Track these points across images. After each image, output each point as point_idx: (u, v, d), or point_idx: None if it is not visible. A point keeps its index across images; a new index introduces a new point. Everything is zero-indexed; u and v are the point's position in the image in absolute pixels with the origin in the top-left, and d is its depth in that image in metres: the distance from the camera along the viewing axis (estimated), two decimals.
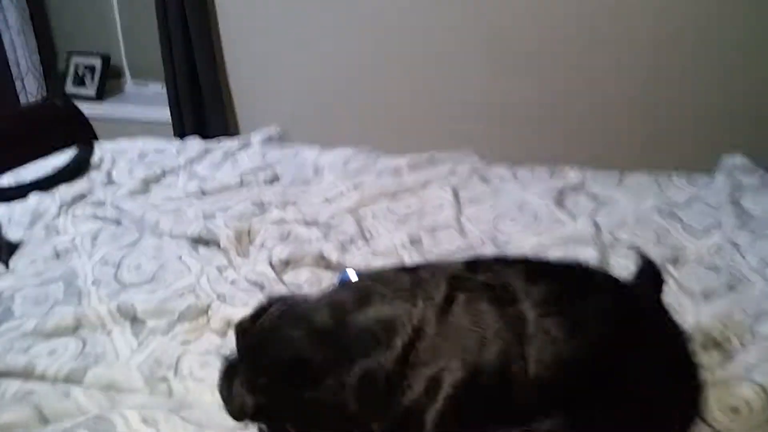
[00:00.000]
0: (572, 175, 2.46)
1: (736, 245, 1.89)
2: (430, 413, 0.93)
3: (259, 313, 1.10)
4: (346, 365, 0.93)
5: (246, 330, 1.09)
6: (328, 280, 1.79)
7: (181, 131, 3.68)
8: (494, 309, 0.96)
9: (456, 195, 2.29)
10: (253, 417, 1.02)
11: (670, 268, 1.85)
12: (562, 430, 0.95)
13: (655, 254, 1.88)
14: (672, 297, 1.71)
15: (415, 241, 1.98)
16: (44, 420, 1.25)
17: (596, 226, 2.08)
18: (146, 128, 3.60)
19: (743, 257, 1.85)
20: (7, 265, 1.92)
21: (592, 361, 0.95)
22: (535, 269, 1.06)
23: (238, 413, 1.02)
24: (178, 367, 1.44)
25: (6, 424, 1.23)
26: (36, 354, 1.47)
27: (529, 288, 0.97)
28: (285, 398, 0.96)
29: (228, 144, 2.82)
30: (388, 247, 1.96)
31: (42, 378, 1.38)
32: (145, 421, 1.22)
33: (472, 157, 2.63)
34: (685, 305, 1.68)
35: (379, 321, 0.97)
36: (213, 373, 1.41)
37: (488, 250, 1.94)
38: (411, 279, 1.04)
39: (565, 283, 1.05)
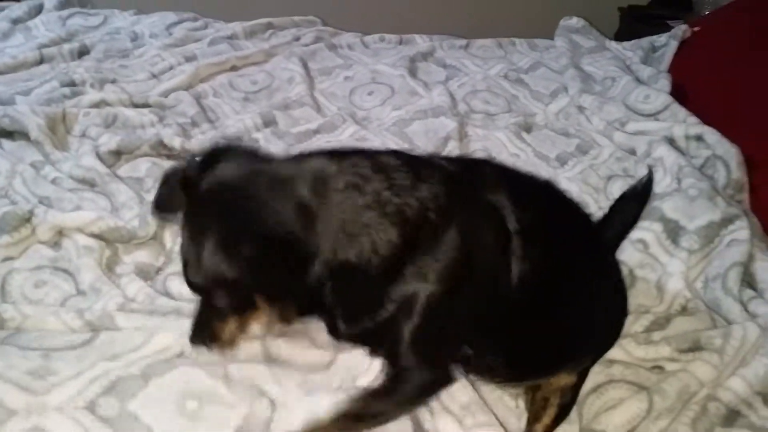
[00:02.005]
0: (421, 42, 2.36)
1: (582, 109, 1.96)
2: (407, 326, 0.92)
3: (206, 163, 0.93)
4: (331, 256, 0.87)
5: (190, 182, 0.92)
6: None
7: None
8: (486, 229, 0.97)
9: (305, 67, 2.09)
10: (219, 284, 0.88)
11: (525, 135, 1.87)
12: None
13: (509, 123, 1.91)
14: (531, 164, 1.75)
15: (269, 122, 1.79)
16: None
17: (451, 96, 2.03)
18: None
19: (589, 121, 1.92)
20: None
21: (554, 280, 1.03)
22: (521, 190, 1.07)
23: (211, 281, 0.87)
24: (5, 290, 1.19)
25: None
26: None
27: (517, 211, 0.98)
28: (265, 273, 0.86)
29: (14, 8, 2.28)
30: (239, 129, 1.75)
31: None
32: None
33: (315, 24, 2.40)
34: (544, 171, 1.73)
35: (369, 222, 0.89)
36: (52, 292, 1.20)
37: (349, 129, 1.82)
38: (411, 177, 0.93)
39: (545, 208, 1.09)
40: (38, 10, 2.31)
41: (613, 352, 1.19)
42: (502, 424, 1.04)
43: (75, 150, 1.59)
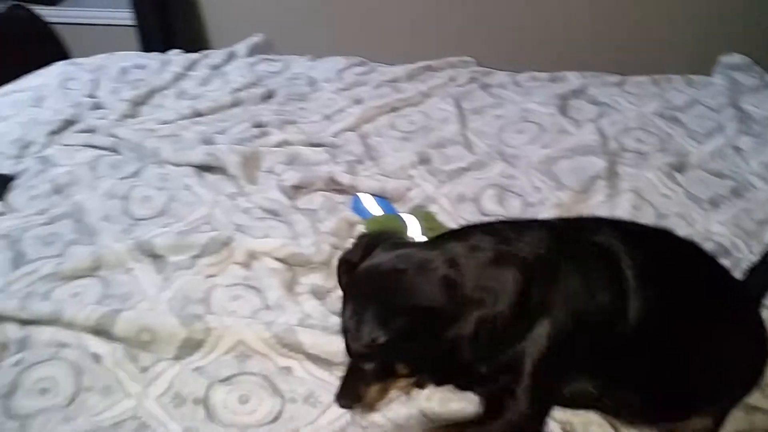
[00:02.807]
0: (573, 79, 2.42)
1: (738, 150, 1.93)
2: (530, 355, 1.04)
3: (365, 250, 1.14)
4: (466, 317, 1.01)
5: (353, 265, 1.13)
6: (342, 206, 1.78)
7: (145, 35, 3.42)
8: (597, 266, 1.07)
9: (459, 106, 2.24)
10: (372, 351, 1.05)
11: (677, 175, 1.88)
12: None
13: (661, 162, 1.92)
14: (681, 206, 1.76)
15: (424, 160, 1.96)
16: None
17: (601, 133, 2.08)
18: (106, 33, 3.36)
19: (746, 162, 1.88)
20: (1, 198, 1.85)
21: (677, 320, 1.09)
22: (634, 235, 1.16)
23: (365, 346, 1.05)
24: (209, 301, 1.45)
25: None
26: (60, 298, 1.45)
27: (631, 251, 1.07)
28: (413, 340, 1.02)
29: (213, 56, 2.68)
30: (397, 167, 1.94)
31: (70, 326, 1.36)
32: None
33: (470, 65, 2.56)
34: (694, 213, 1.73)
35: (494, 276, 1.04)
36: (245, 305, 1.44)
37: (498, 166, 1.94)
38: (516, 232, 1.11)
39: (662, 250, 1.16)
40: (232, 57, 2.69)
41: (758, 400, 1.20)
42: None
43: (263, 184, 1.86)
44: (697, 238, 1.62)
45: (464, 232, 1.18)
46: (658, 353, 1.08)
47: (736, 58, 2.35)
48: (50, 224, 1.70)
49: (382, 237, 1.20)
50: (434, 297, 1.01)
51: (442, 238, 1.18)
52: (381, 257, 1.11)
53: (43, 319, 1.37)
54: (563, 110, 2.23)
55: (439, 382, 1.17)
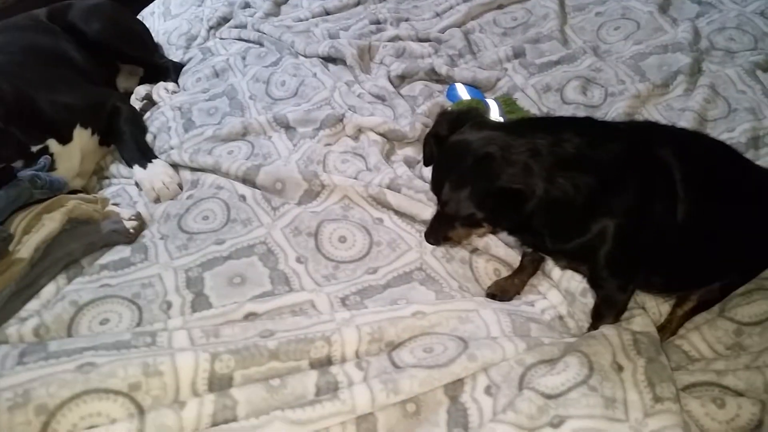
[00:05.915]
0: None
1: None
2: (602, 251, 1.23)
3: (453, 125, 1.25)
4: (544, 195, 1.14)
5: (442, 138, 1.26)
6: (438, 93, 2.09)
7: None
8: (657, 177, 1.22)
9: (561, 4, 2.40)
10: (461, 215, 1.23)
11: (759, 74, 1.97)
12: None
13: (748, 60, 2.01)
14: (753, 102, 1.88)
15: (519, 54, 2.19)
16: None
17: (696, 32, 2.17)
18: None
19: None
20: (178, 83, 2.36)
21: (712, 216, 1.27)
22: (683, 146, 1.28)
23: (465, 217, 1.22)
24: (325, 163, 1.86)
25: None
26: (219, 154, 1.93)
27: (681, 164, 1.22)
28: (500, 215, 1.22)
29: None
30: (494, 60, 2.19)
31: (226, 174, 1.82)
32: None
33: None
34: (766, 110, 1.85)
35: (573, 170, 1.16)
36: (351, 168, 1.84)
37: (587, 60, 2.13)
38: (602, 137, 1.22)
39: (704, 158, 1.31)
40: None
41: None
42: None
43: (374, 73, 2.21)
44: (761, 131, 1.78)
45: (552, 125, 1.25)
46: (693, 243, 1.27)
47: None
48: (211, 100, 2.18)
49: (468, 115, 1.31)
50: (517, 178, 1.14)
51: (529, 125, 1.28)
52: (471, 135, 1.19)
53: (207, 168, 1.86)
54: (664, 9, 2.31)
55: (512, 234, 1.39)
